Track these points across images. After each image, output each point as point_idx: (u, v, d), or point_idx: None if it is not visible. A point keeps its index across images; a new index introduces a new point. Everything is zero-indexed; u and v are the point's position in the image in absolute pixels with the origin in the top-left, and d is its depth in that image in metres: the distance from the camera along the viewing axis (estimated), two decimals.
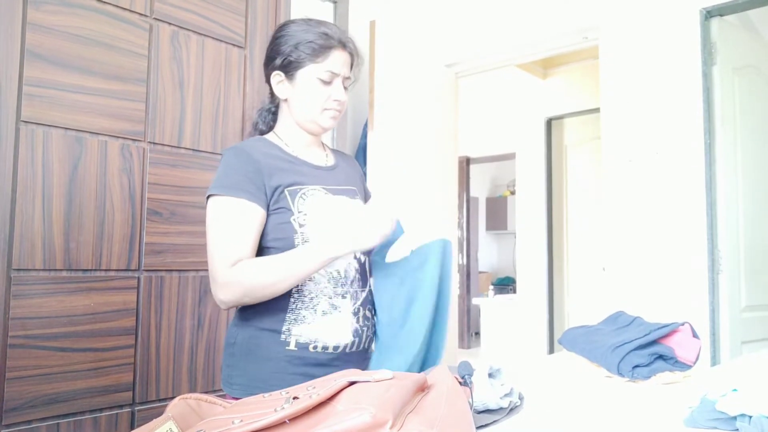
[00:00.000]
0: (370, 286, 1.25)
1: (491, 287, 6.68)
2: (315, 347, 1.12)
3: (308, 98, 1.18)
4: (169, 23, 1.72)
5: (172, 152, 1.72)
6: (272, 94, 1.25)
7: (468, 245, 6.99)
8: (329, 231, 1.06)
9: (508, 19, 3.01)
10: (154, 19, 1.69)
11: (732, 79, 2.48)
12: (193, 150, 1.77)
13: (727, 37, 2.46)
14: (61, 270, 1.49)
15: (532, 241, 4.34)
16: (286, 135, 1.24)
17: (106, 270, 1.57)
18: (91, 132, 1.55)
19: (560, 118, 4.35)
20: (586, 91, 4.09)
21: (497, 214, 7.80)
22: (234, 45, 1.88)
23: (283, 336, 1.11)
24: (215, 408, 0.70)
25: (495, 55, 3.11)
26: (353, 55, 1.22)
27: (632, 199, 2.53)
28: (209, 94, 1.81)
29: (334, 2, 2.64)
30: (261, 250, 1.14)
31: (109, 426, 1.56)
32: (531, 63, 4.05)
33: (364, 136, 2.58)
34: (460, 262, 6.80)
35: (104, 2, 1.59)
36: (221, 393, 1.80)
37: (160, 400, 1.66)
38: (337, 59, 1.18)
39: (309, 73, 1.17)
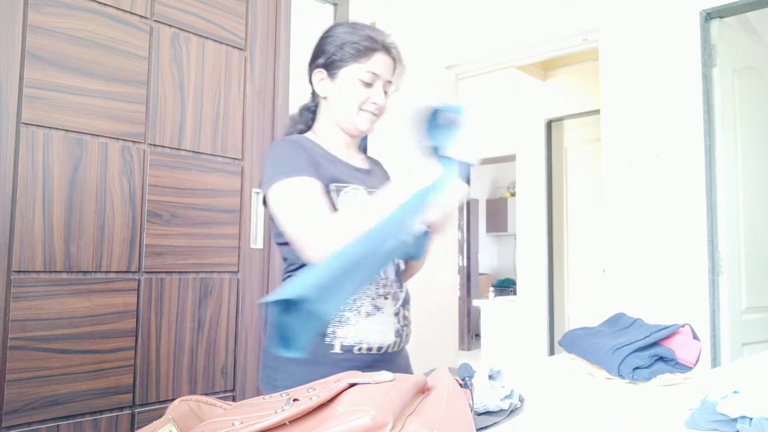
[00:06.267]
0: (406, 287, 1.26)
1: (491, 289, 6.68)
2: (360, 349, 1.12)
3: (347, 97, 1.19)
4: (170, 25, 1.73)
5: (173, 154, 1.72)
6: (313, 93, 1.26)
7: (468, 247, 6.99)
8: (411, 177, 0.99)
9: (508, 21, 3.02)
10: (155, 21, 1.70)
11: (732, 80, 2.48)
12: (194, 152, 1.77)
13: (727, 38, 2.46)
14: (61, 272, 1.49)
15: (532, 243, 4.34)
16: (325, 134, 1.25)
17: (106, 272, 1.57)
18: (91, 134, 1.56)
19: (560, 119, 4.35)
20: (586, 93, 4.09)
21: (497, 215, 7.80)
22: (234, 47, 1.88)
23: (327, 339, 1.11)
24: (215, 410, 0.70)
25: (495, 56, 3.11)
26: (396, 61, 1.23)
27: (632, 200, 2.53)
28: (209, 96, 1.81)
29: (335, 4, 2.65)
30: None
31: (109, 428, 1.55)
32: (531, 65, 4.06)
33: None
34: (461, 264, 6.80)
35: (105, 4, 1.59)
36: (221, 395, 1.80)
37: (160, 402, 1.66)
38: (380, 62, 1.19)
39: (351, 72, 1.18)
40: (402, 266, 1.26)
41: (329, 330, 1.12)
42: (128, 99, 1.63)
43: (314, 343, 1.11)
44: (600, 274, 3.92)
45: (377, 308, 1.15)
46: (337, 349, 1.11)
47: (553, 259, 4.29)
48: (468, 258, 6.93)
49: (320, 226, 1.01)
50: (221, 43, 1.85)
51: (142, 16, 1.66)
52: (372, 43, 1.19)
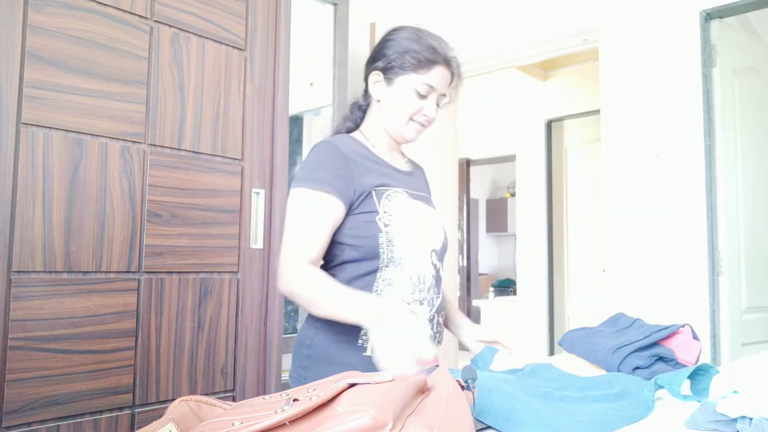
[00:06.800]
0: (443, 293, 1.26)
1: (491, 289, 6.68)
2: None
3: (400, 105, 1.19)
4: (170, 25, 1.73)
5: (173, 154, 1.72)
6: (365, 92, 1.26)
7: (468, 247, 6.99)
8: (384, 308, 0.96)
9: (508, 21, 3.02)
10: (155, 21, 1.70)
11: (732, 81, 2.48)
12: (194, 152, 1.77)
13: (727, 39, 2.46)
14: (61, 272, 1.49)
15: (532, 243, 4.34)
16: (373, 135, 1.25)
17: (106, 272, 1.57)
18: (91, 134, 1.56)
19: (560, 119, 4.35)
20: (586, 93, 4.09)
21: (497, 216, 7.80)
22: (234, 47, 1.88)
23: (360, 341, 1.12)
24: (215, 410, 0.70)
25: (495, 56, 3.11)
26: (454, 74, 1.23)
27: (632, 201, 2.53)
28: (209, 96, 1.81)
29: (335, 4, 2.65)
30: (342, 247, 1.14)
31: (109, 428, 1.55)
32: (531, 65, 4.06)
33: None
34: (461, 264, 6.80)
35: (105, 4, 1.59)
36: (221, 395, 1.80)
37: (160, 402, 1.66)
38: (438, 75, 1.19)
39: (408, 81, 1.18)
40: (441, 273, 1.25)
41: (362, 332, 1.11)
42: (128, 99, 1.63)
43: (346, 346, 1.12)
44: (600, 273, 3.92)
45: (411, 313, 1.15)
46: (369, 352, 1.11)
47: (553, 259, 4.29)
48: (468, 258, 6.93)
49: (289, 268, 1.07)
50: (221, 43, 1.85)
51: (142, 16, 1.66)
52: (434, 55, 1.17)
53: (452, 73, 1.22)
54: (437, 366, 0.94)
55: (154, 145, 1.68)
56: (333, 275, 1.17)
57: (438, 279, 1.23)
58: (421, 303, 1.16)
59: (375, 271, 1.13)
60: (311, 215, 1.11)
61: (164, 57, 1.71)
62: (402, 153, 1.33)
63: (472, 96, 5.20)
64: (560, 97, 4.30)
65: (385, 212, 1.13)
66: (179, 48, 1.74)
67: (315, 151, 1.16)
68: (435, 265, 1.21)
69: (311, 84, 2.96)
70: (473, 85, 4.81)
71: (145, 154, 1.66)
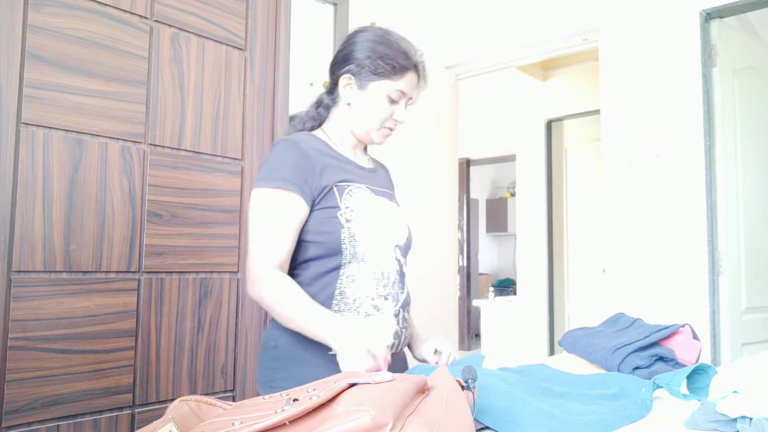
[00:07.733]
0: (407, 289, 1.26)
1: (491, 289, 6.67)
2: None
3: (372, 111, 1.20)
4: (170, 25, 1.73)
5: (173, 154, 1.72)
6: (331, 91, 1.26)
7: (468, 247, 6.98)
8: (341, 323, 1.02)
9: (509, 22, 3.02)
10: (155, 21, 1.70)
11: (732, 80, 2.48)
12: (194, 152, 1.77)
13: (727, 39, 2.46)
14: (61, 272, 1.49)
15: (532, 243, 4.34)
16: (336, 134, 1.25)
17: (106, 272, 1.57)
18: (91, 134, 1.56)
19: (560, 119, 4.35)
20: (586, 93, 4.09)
21: (497, 215, 7.80)
22: (234, 47, 1.88)
23: None
24: (215, 410, 0.70)
25: (495, 57, 3.12)
26: (421, 77, 1.24)
27: (632, 200, 2.53)
28: (209, 95, 1.81)
29: (334, 4, 2.65)
30: (305, 244, 1.14)
31: (109, 428, 1.55)
32: (531, 65, 4.06)
33: None
34: (461, 264, 6.80)
35: (105, 4, 1.59)
36: (221, 395, 1.80)
37: (160, 402, 1.66)
38: (410, 81, 1.20)
39: (381, 88, 1.18)
40: (405, 269, 1.25)
41: None
42: (128, 99, 1.63)
43: (310, 345, 1.12)
44: (600, 273, 3.93)
45: (377, 309, 1.15)
46: (333, 350, 1.11)
47: (553, 258, 4.29)
48: (468, 258, 6.93)
49: (256, 274, 1.08)
50: (221, 43, 1.85)
51: (142, 16, 1.66)
52: (407, 62, 1.19)
53: (419, 77, 1.23)
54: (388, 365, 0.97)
55: (154, 145, 1.68)
56: (297, 274, 1.16)
57: (402, 274, 1.23)
58: (385, 298, 1.16)
59: (338, 267, 1.13)
60: (276, 216, 1.11)
61: (164, 57, 1.71)
62: (364, 151, 1.33)
63: (472, 96, 5.20)
64: (560, 97, 4.30)
65: (347, 208, 1.13)
66: (179, 48, 1.74)
67: (275, 150, 1.16)
68: (399, 261, 1.22)
69: (311, 84, 2.96)
70: (473, 85, 4.81)
71: (145, 154, 1.66)
